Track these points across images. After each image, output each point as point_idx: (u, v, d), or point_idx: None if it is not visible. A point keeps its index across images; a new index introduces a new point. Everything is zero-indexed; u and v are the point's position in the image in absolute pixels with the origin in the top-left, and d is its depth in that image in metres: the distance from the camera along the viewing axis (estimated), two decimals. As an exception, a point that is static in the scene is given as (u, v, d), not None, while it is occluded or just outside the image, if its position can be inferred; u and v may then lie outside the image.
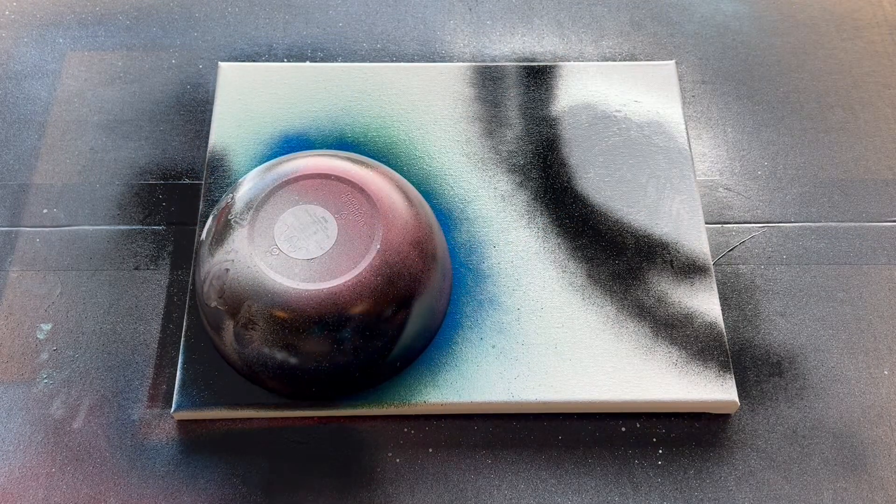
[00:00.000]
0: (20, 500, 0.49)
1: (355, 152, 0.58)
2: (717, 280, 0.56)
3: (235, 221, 0.50)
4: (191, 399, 0.50)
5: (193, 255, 0.55)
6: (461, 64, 0.64)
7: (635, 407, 0.51)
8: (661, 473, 0.50)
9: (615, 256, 0.56)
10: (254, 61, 0.66)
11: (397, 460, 0.50)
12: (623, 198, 0.58)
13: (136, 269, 0.57)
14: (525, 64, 0.64)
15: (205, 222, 0.55)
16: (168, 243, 0.58)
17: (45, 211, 0.59)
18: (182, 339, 0.52)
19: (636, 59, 0.67)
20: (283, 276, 0.48)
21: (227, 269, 0.49)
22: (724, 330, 0.53)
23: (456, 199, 0.58)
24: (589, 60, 0.67)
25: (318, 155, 0.54)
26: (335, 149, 0.59)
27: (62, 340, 0.54)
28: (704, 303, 0.54)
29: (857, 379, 0.54)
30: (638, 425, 0.52)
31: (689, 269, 0.55)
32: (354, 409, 0.51)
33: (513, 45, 0.68)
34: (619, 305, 0.54)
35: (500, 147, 0.60)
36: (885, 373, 0.54)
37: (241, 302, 0.48)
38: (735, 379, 0.53)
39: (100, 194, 0.60)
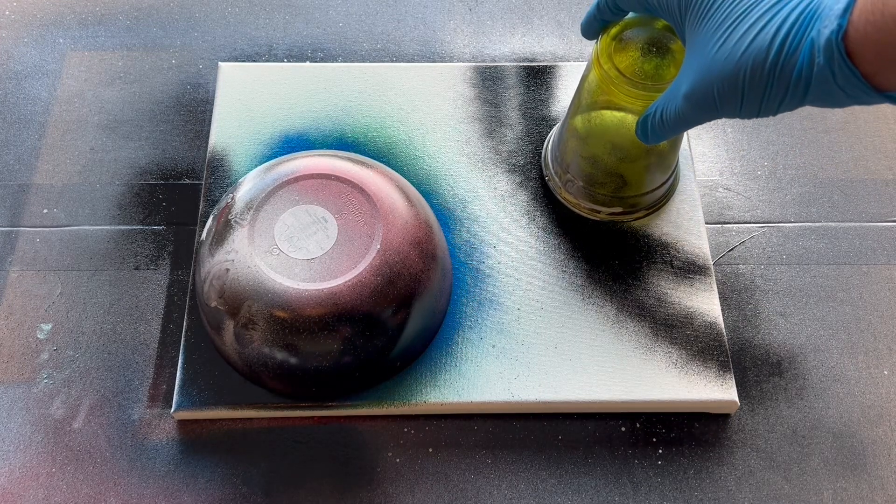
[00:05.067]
0: (20, 500, 0.49)
1: (355, 152, 0.58)
2: (717, 280, 0.56)
3: (235, 221, 0.50)
4: (191, 399, 0.50)
5: (193, 255, 0.55)
6: (461, 64, 0.64)
7: (635, 407, 0.51)
8: (661, 473, 0.50)
9: (615, 256, 0.56)
10: (254, 61, 0.66)
11: (397, 460, 0.50)
12: (623, 198, 0.58)
13: (136, 269, 0.57)
14: (525, 64, 0.64)
15: (205, 222, 0.55)
16: (168, 243, 0.58)
17: (45, 211, 0.59)
18: (182, 339, 0.52)
19: (636, 59, 0.67)
20: (284, 276, 0.48)
21: (228, 269, 0.49)
22: (724, 330, 0.53)
23: (456, 199, 0.58)
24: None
25: (318, 155, 0.54)
26: (335, 149, 0.59)
27: (62, 340, 0.54)
28: (704, 303, 0.54)
29: (857, 379, 0.54)
30: (638, 425, 0.52)
31: (689, 269, 0.55)
32: (354, 409, 0.51)
33: (513, 45, 0.68)
34: (619, 305, 0.54)
35: (500, 147, 0.60)
36: (885, 373, 0.54)
37: (241, 302, 0.48)
38: (735, 379, 0.53)
39: (100, 194, 0.60)
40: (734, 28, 0.38)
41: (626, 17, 0.48)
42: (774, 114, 0.39)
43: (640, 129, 0.47)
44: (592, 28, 0.49)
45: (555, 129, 0.59)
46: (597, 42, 0.49)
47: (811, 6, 0.36)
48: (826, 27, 0.35)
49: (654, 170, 0.54)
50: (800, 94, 0.37)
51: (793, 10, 0.37)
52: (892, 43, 0.33)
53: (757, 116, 0.39)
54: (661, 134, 0.46)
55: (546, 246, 0.56)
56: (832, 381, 0.53)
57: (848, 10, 0.34)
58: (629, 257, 0.56)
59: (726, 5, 0.39)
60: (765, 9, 0.37)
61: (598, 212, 0.56)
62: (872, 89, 0.35)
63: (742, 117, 0.40)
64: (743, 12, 0.38)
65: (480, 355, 0.52)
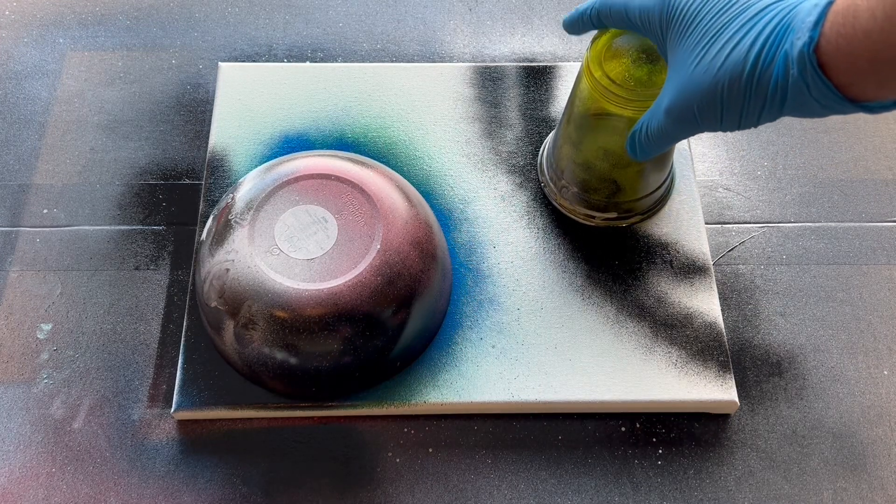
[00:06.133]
0: (20, 500, 0.49)
1: (355, 152, 0.58)
2: (717, 280, 0.56)
3: (236, 221, 0.50)
4: (191, 399, 0.50)
5: (193, 255, 0.55)
6: (461, 64, 0.64)
7: (635, 407, 0.51)
8: (661, 473, 0.50)
9: (615, 257, 0.56)
10: (254, 61, 0.66)
11: (397, 460, 0.50)
12: (623, 198, 0.58)
13: (136, 269, 0.57)
14: (525, 64, 0.64)
15: (205, 222, 0.55)
16: (168, 243, 0.58)
17: (45, 211, 0.59)
18: (182, 339, 0.52)
19: (636, 60, 0.67)
20: (284, 276, 0.48)
21: (228, 269, 0.49)
22: (723, 330, 0.53)
23: (456, 200, 0.58)
24: (589, 60, 0.67)
25: (318, 155, 0.54)
26: (335, 149, 0.59)
27: (62, 340, 0.54)
28: (704, 303, 0.54)
29: (857, 379, 0.54)
30: (638, 425, 0.52)
31: (689, 269, 0.55)
32: (354, 409, 0.51)
33: (513, 45, 0.68)
34: (619, 305, 0.54)
35: (500, 148, 0.60)
36: (885, 373, 0.54)
37: (241, 302, 0.48)
38: (735, 379, 0.53)
39: (100, 194, 0.60)
40: (712, 44, 0.39)
41: None
42: (755, 125, 0.39)
43: (629, 146, 0.48)
44: (576, 29, 0.49)
45: (550, 136, 0.59)
46: (587, 50, 0.49)
47: (785, 20, 0.36)
48: (799, 39, 0.35)
49: (648, 175, 0.54)
50: (777, 106, 0.37)
51: (767, 24, 0.37)
52: (863, 55, 0.33)
53: (738, 129, 0.40)
54: (648, 149, 0.46)
55: (546, 246, 0.56)
56: (832, 381, 0.53)
57: (819, 22, 0.34)
58: (629, 258, 0.56)
59: (705, 22, 0.39)
60: (741, 24, 0.38)
61: (594, 217, 0.56)
62: (846, 100, 0.35)
63: (724, 130, 0.40)
64: (720, 28, 0.39)
65: (480, 355, 0.52)
